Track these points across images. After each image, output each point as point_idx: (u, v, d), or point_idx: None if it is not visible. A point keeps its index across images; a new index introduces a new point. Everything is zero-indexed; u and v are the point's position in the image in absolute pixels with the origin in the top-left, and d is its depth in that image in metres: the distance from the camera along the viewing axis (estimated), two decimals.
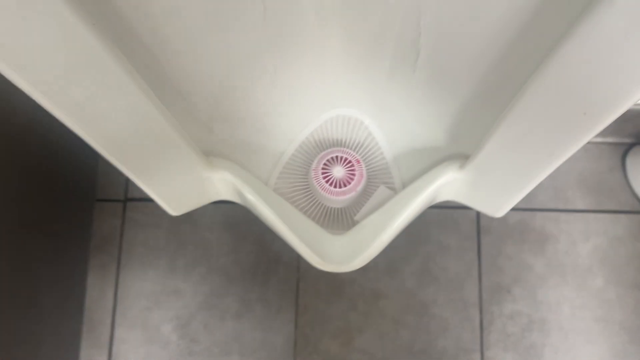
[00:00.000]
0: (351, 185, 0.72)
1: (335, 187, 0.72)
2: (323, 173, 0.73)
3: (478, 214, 1.08)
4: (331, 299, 1.06)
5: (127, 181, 1.11)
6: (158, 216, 1.09)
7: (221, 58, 0.65)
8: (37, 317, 0.88)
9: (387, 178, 0.75)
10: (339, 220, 0.75)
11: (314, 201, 0.75)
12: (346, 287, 1.06)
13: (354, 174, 0.73)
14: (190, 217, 1.09)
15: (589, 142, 1.10)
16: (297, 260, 1.07)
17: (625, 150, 1.10)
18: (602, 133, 1.09)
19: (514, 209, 1.07)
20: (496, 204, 0.64)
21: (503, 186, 0.61)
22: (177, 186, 0.64)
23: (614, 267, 1.06)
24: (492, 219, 1.07)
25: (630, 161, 1.08)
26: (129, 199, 1.10)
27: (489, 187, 0.64)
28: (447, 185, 0.67)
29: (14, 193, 0.80)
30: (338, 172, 0.73)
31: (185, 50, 0.59)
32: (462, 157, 0.67)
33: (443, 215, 1.08)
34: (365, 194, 0.75)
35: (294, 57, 0.70)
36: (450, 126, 0.71)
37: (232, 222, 1.09)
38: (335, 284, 1.06)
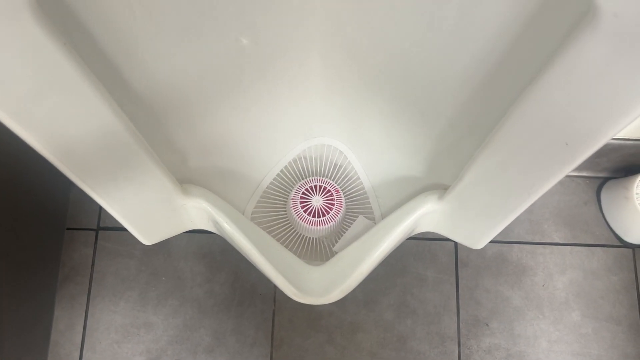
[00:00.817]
0: (330, 214, 0.71)
1: (313, 216, 0.71)
2: (302, 202, 0.72)
3: (456, 246, 1.07)
4: (308, 332, 1.03)
5: (100, 209, 1.08)
6: (131, 245, 1.07)
7: (197, 83, 0.64)
8: None
9: (366, 208, 0.74)
10: (317, 250, 0.74)
11: (291, 231, 0.74)
12: (323, 320, 1.04)
13: (332, 204, 0.72)
14: (163, 247, 1.07)
15: (564, 176, 1.12)
16: (274, 292, 1.05)
17: (600, 184, 1.11)
18: (577, 167, 1.10)
19: (491, 241, 1.07)
20: (476, 236, 0.64)
21: (483, 218, 0.61)
22: (150, 214, 0.62)
23: (590, 300, 1.06)
24: (469, 251, 1.07)
25: (604, 195, 1.10)
26: (102, 227, 1.07)
27: (468, 218, 0.63)
28: (426, 216, 0.66)
29: None
30: (317, 201, 0.72)
31: (160, 74, 0.58)
32: (441, 188, 0.66)
33: (421, 246, 1.07)
34: (344, 223, 0.74)
35: (272, 86, 0.69)
36: (430, 157, 0.71)
37: (207, 252, 1.06)
38: (312, 317, 1.04)
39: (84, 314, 1.03)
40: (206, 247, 1.07)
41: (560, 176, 0.46)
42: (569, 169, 0.45)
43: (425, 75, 0.60)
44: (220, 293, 1.05)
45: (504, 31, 0.47)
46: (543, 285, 1.06)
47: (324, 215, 0.70)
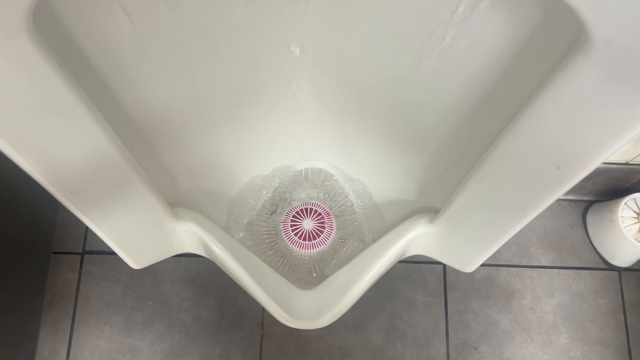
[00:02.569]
0: (320, 238, 0.71)
1: (304, 240, 0.71)
2: (292, 225, 0.72)
3: (444, 269, 1.07)
4: (296, 357, 1.02)
5: (86, 233, 1.07)
6: (116, 270, 1.05)
7: (189, 107, 0.64)
8: None
9: (357, 231, 0.74)
10: (308, 274, 0.73)
11: (282, 254, 0.74)
12: (312, 345, 1.03)
13: (323, 227, 0.72)
14: (150, 271, 1.05)
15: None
16: (262, 316, 1.04)
17: (585, 208, 1.12)
18: None
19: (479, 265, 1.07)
20: (466, 260, 0.64)
21: (473, 241, 0.61)
22: (140, 237, 0.61)
23: (578, 324, 1.06)
24: (458, 274, 1.07)
25: (590, 218, 1.11)
26: (87, 251, 1.06)
27: (459, 242, 0.64)
28: (417, 239, 0.66)
29: None
30: (307, 224, 0.72)
31: (152, 96, 0.58)
32: (432, 211, 0.67)
33: (409, 270, 1.07)
34: (335, 247, 0.74)
35: (266, 111, 0.70)
36: (421, 181, 0.71)
37: (194, 276, 1.05)
38: (301, 342, 1.03)
39: (67, 339, 1.01)
40: (194, 271, 1.06)
41: (551, 200, 0.47)
42: (560, 193, 0.45)
43: (416, 101, 0.61)
44: (208, 318, 1.03)
45: (495, 59, 0.48)
46: (531, 309, 1.06)
47: (314, 238, 0.70)
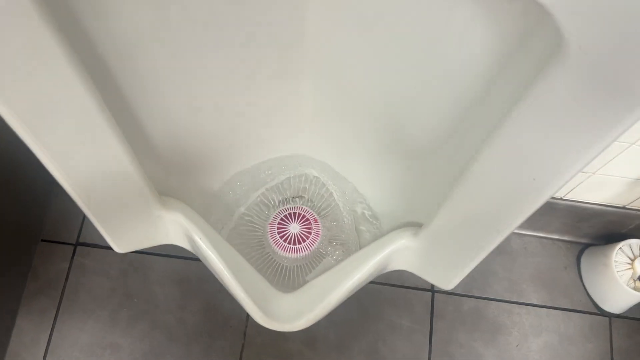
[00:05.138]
0: (306, 243, 0.72)
1: (289, 243, 0.72)
2: (279, 229, 0.73)
3: (432, 297, 1.07)
4: None
5: (82, 225, 1.08)
6: (108, 264, 1.06)
7: (184, 98, 0.65)
8: None
9: (343, 240, 0.75)
10: (290, 278, 0.74)
11: (266, 256, 0.74)
12: (293, 359, 1.02)
13: (310, 232, 0.72)
14: (140, 269, 1.06)
15: (546, 238, 1.12)
16: (245, 325, 1.03)
17: (580, 250, 1.12)
18: (560, 231, 1.11)
19: (468, 296, 1.07)
20: (447, 275, 0.64)
21: (454, 257, 0.62)
22: (127, 221, 0.63)
23: None
24: (446, 303, 1.06)
25: (584, 261, 1.10)
26: (81, 243, 1.07)
27: (440, 257, 0.64)
28: (400, 252, 0.67)
29: None
30: (294, 228, 0.73)
31: (149, 82, 0.60)
32: (418, 226, 0.67)
33: (397, 294, 1.06)
34: (319, 254, 0.74)
35: (264, 111, 0.71)
36: (411, 194, 0.72)
37: (184, 278, 1.06)
38: (282, 355, 1.02)
39: (50, 328, 1.01)
40: (183, 273, 1.06)
41: (527, 214, 0.47)
42: (535, 206, 0.46)
43: (409, 110, 0.62)
44: (192, 322, 1.03)
45: (481, 70, 0.50)
46: (517, 346, 1.05)
47: (299, 243, 0.71)
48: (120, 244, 0.64)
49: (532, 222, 1.07)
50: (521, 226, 1.11)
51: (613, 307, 1.05)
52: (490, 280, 1.09)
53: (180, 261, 1.07)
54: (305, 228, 0.71)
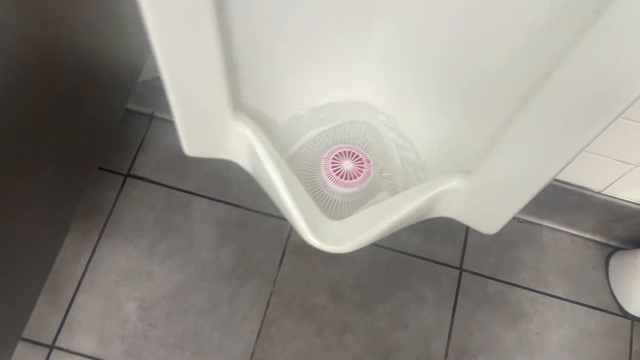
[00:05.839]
0: (357, 180, 0.75)
1: (342, 178, 0.75)
2: (333, 163, 0.76)
3: (460, 275, 1.09)
4: (299, 320, 1.04)
5: (135, 157, 1.13)
6: (154, 197, 1.10)
7: (271, 29, 0.70)
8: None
9: (392, 184, 0.78)
10: (338, 212, 0.77)
11: (317, 189, 0.78)
12: (317, 312, 1.05)
13: (361, 171, 0.76)
14: (184, 206, 1.10)
15: (578, 236, 1.14)
16: (276, 274, 1.07)
17: (610, 252, 1.13)
18: (592, 230, 1.13)
19: (494, 279, 1.08)
20: (492, 218, 0.67)
21: (501, 200, 0.64)
22: (203, 125, 0.67)
23: None
24: (472, 281, 1.09)
25: (613, 264, 1.12)
26: (131, 175, 1.12)
27: (487, 200, 0.67)
28: (448, 195, 0.70)
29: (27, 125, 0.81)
30: (347, 165, 0.76)
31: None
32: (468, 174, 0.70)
33: (427, 267, 1.09)
34: (368, 194, 0.78)
35: (336, 51, 0.76)
36: (468, 146, 0.75)
37: (223, 221, 1.10)
38: (307, 307, 1.05)
39: (92, 248, 1.06)
40: (224, 217, 1.10)
41: (590, 137, 0.49)
42: (599, 128, 0.48)
43: (474, 53, 0.66)
44: (225, 262, 1.07)
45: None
46: (537, 333, 1.06)
47: (351, 179, 0.74)
48: (190, 146, 0.69)
49: (566, 216, 1.09)
50: (555, 220, 1.13)
51: (637, 310, 1.06)
52: (518, 267, 1.11)
53: (223, 206, 1.11)
54: (358, 166, 0.75)
